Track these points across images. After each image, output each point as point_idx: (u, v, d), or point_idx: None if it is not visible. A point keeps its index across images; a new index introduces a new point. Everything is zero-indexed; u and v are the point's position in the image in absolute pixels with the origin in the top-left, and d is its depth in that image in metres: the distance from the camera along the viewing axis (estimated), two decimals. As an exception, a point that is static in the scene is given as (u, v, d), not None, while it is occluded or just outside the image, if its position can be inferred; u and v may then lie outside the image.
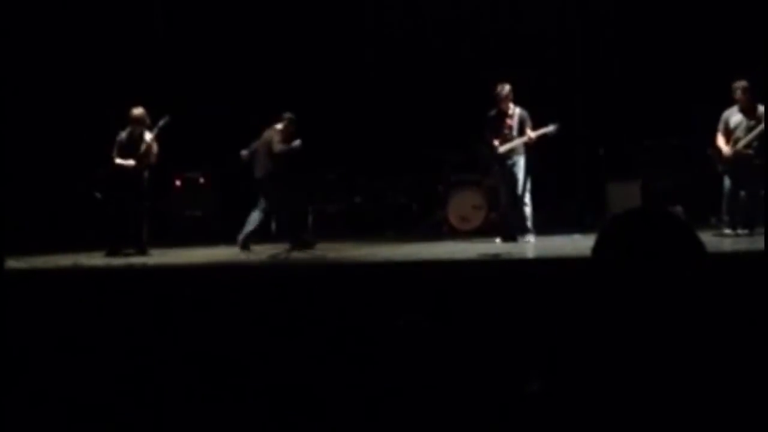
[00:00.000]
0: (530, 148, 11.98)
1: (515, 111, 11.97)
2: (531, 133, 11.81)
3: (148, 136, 11.94)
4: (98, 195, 12.22)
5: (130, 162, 11.86)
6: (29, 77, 14.42)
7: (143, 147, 11.90)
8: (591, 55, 15.26)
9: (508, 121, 11.96)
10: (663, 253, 2.35)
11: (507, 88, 11.95)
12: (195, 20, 15.92)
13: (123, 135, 12.02)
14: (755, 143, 11.00)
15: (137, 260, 11.21)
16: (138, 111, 12.01)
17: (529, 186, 11.98)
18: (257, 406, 3.44)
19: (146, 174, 12.02)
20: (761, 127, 10.96)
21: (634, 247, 2.37)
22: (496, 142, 11.96)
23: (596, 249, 2.45)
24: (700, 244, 2.40)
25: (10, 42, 13.87)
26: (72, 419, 3.43)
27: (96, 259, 11.41)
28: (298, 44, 15.67)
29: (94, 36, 15.29)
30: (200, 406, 3.51)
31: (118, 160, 11.92)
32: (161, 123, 11.93)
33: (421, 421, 3.03)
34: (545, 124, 11.87)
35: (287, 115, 12.19)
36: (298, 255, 10.74)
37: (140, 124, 11.98)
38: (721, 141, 11.26)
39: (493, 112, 12.08)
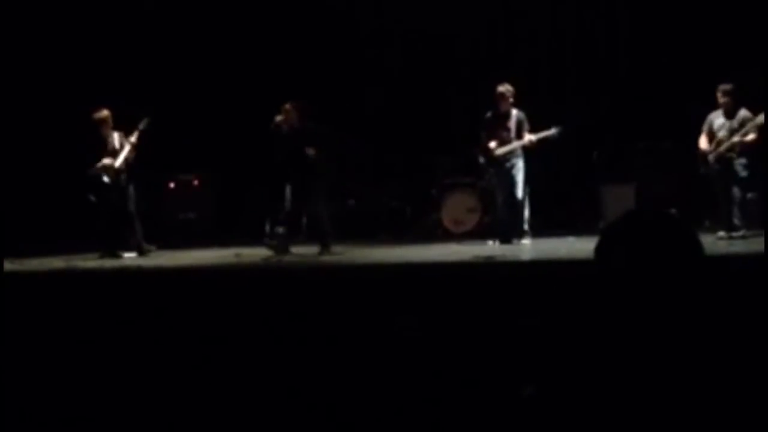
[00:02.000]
0: (530, 151, 11.99)
1: (513, 113, 11.97)
2: (532, 137, 11.81)
3: (116, 134, 12.03)
4: (92, 197, 12.20)
5: (106, 161, 11.89)
6: (23, 80, 14.39)
7: (127, 150, 11.95)
8: (584, 58, 15.27)
9: (508, 123, 11.96)
10: (664, 254, 2.35)
11: (511, 88, 11.94)
12: (187, 22, 15.90)
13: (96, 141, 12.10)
14: (737, 146, 11.08)
15: (131, 263, 11.21)
16: (100, 113, 12.04)
17: (527, 189, 11.99)
18: (253, 408, 3.43)
19: (124, 176, 12.04)
20: (743, 130, 11.03)
21: (636, 248, 2.37)
22: (492, 144, 11.96)
23: (598, 249, 2.45)
24: (700, 246, 2.40)
25: (2, 45, 13.84)
26: (67, 421, 3.43)
27: (90, 262, 11.41)
28: (291, 47, 15.66)
29: (86, 38, 15.27)
30: (196, 408, 3.50)
31: (98, 165, 11.99)
32: (141, 126, 11.99)
33: (416, 424, 3.03)
34: (542, 128, 11.89)
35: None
36: (291, 258, 10.73)
37: (105, 125, 12.03)
38: (703, 142, 11.35)
39: (490, 114, 12.07)
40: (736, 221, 11.09)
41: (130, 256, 11.99)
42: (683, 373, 2.31)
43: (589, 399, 2.44)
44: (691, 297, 2.36)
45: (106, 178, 11.89)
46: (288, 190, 11.49)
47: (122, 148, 12.06)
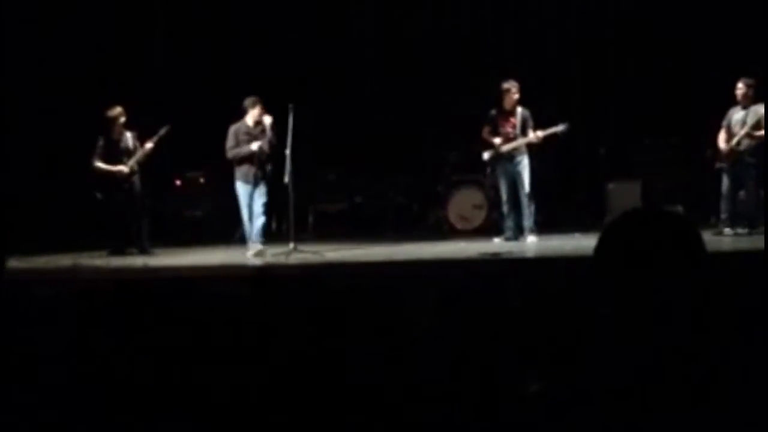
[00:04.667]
0: (534, 147, 11.98)
1: (518, 110, 11.96)
2: (539, 133, 11.78)
3: (128, 134, 11.97)
4: (98, 195, 12.21)
5: (121, 168, 11.86)
6: (28, 77, 14.39)
7: (141, 152, 11.91)
8: (590, 54, 15.25)
9: (512, 120, 11.95)
10: (666, 252, 2.35)
11: (516, 85, 11.92)
12: (193, 18, 15.90)
13: (102, 140, 12.01)
14: (744, 141, 11.07)
15: (138, 260, 11.21)
16: (115, 110, 11.99)
17: (532, 186, 11.98)
18: (258, 407, 3.44)
19: (136, 177, 12.04)
20: (752, 123, 11.02)
21: (637, 246, 2.37)
22: (498, 141, 11.94)
23: (599, 248, 2.45)
24: (701, 244, 2.41)
25: (10, 42, 13.84)
26: (71, 422, 3.43)
27: (97, 260, 11.42)
28: (297, 42, 15.65)
29: (92, 36, 15.27)
30: (201, 408, 3.51)
31: (102, 166, 11.92)
32: (162, 132, 11.92)
33: (420, 421, 3.04)
34: (547, 124, 11.88)
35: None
36: (298, 255, 10.74)
37: (119, 123, 11.98)
38: (721, 138, 11.36)
39: (494, 111, 12.07)
40: (746, 218, 11.10)
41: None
42: (685, 371, 2.31)
43: (593, 396, 2.44)
44: (693, 295, 2.37)
45: (124, 169, 11.85)
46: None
47: (135, 149, 12.01)
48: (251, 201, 11.34)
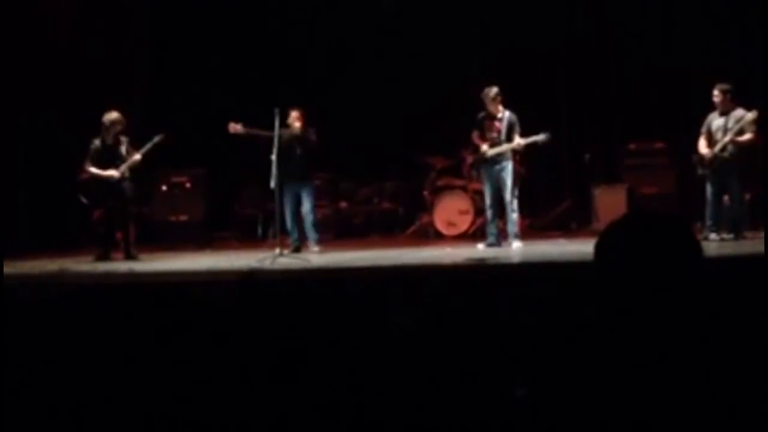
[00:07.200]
0: (517, 153, 11.97)
1: (504, 114, 11.91)
2: (520, 141, 11.76)
3: (123, 140, 11.86)
4: (84, 199, 12.14)
5: (112, 173, 11.70)
6: (16, 79, 14.32)
7: (130, 160, 11.77)
8: (576, 59, 15.26)
9: (497, 125, 11.91)
10: (664, 255, 2.35)
11: (494, 90, 11.88)
12: (179, 22, 15.85)
13: (97, 143, 11.85)
14: (729, 147, 11.08)
15: (124, 266, 11.16)
16: (112, 116, 11.85)
17: (516, 192, 11.96)
18: (249, 415, 3.42)
19: (127, 183, 11.92)
20: (736, 128, 11.03)
21: (637, 248, 2.36)
22: (484, 147, 11.92)
23: (598, 248, 2.44)
24: (699, 249, 2.40)
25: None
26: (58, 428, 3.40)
27: (83, 265, 11.35)
28: (283, 48, 15.64)
29: (77, 38, 15.21)
30: (187, 416, 3.48)
31: (93, 170, 11.77)
32: (156, 140, 11.82)
33: (410, 425, 3.03)
34: (532, 130, 11.87)
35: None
36: (284, 260, 10.72)
37: (115, 129, 11.85)
38: (702, 144, 11.35)
39: (482, 115, 12.04)
40: (731, 223, 11.12)
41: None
42: (681, 375, 2.31)
43: (583, 401, 2.44)
44: (690, 300, 2.37)
45: (114, 174, 11.71)
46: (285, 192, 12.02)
47: (129, 154, 11.86)
48: (291, 202, 12.20)
